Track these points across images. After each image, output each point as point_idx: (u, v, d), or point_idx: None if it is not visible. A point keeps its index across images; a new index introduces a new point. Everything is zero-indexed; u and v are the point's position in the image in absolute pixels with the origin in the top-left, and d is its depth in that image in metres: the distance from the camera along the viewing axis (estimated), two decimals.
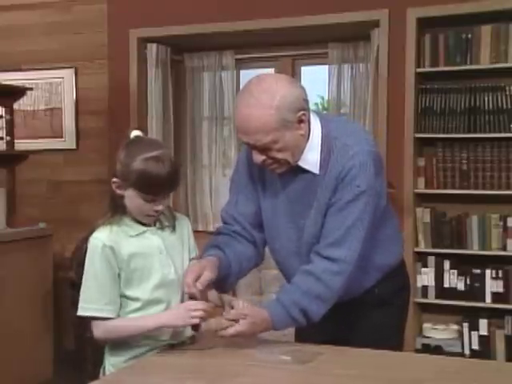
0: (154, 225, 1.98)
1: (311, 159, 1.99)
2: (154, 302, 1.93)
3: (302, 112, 1.92)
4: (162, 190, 1.89)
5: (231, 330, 1.89)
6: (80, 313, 1.91)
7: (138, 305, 1.93)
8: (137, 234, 1.94)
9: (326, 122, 2.04)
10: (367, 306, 2.13)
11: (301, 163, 1.99)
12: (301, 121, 1.93)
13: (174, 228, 2.02)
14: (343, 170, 1.95)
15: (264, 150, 1.92)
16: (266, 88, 1.89)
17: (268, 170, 2.04)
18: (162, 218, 2.00)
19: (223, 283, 2.08)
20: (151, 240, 1.96)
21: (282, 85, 1.90)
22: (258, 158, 1.95)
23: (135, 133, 1.95)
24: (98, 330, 1.92)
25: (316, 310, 1.96)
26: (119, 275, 1.91)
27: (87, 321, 1.92)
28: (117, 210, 1.93)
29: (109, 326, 1.91)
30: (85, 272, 1.91)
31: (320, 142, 1.99)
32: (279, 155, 1.93)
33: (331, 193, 1.97)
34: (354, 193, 1.94)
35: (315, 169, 1.99)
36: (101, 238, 1.89)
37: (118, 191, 1.91)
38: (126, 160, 1.87)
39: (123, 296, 1.93)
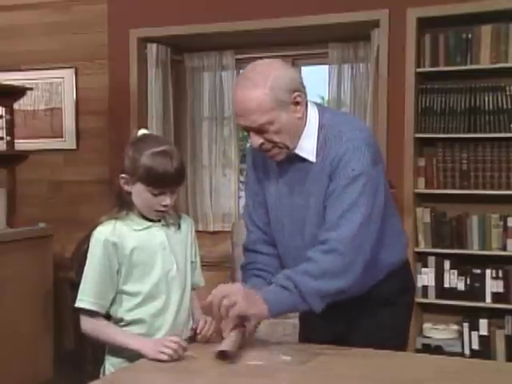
0: (159, 221, 2.00)
1: (307, 147, 2.00)
2: (154, 297, 1.94)
3: (297, 93, 1.94)
4: (169, 183, 1.92)
5: (232, 312, 1.84)
6: (76, 304, 1.92)
7: (138, 300, 1.93)
8: (141, 229, 1.96)
9: (323, 111, 2.05)
10: (371, 306, 2.11)
11: (297, 151, 2.00)
12: (297, 103, 1.95)
13: (179, 226, 2.04)
14: (337, 155, 1.95)
15: (261, 131, 1.93)
16: (260, 70, 1.93)
17: (269, 163, 2.05)
18: (167, 216, 2.01)
19: None
20: (155, 235, 1.97)
21: (275, 67, 1.95)
22: (256, 141, 1.95)
23: (142, 131, 2.02)
24: (87, 326, 1.94)
25: (304, 283, 1.88)
26: (119, 271, 1.92)
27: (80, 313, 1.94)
28: (123, 206, 1.96)
29: (99, 326, 1.93)
30: (86, 264, 1.93)
31: (317, 130, 2.00)
32: (276, 138, 1.94)
33: (328, 180, 1.97)
34: (349, 176, 1.93)
35: (312, 156, 2.00)
36: (104, 232, 1.92)
37: (126, 187, 1.94)
38: (133, 155, 1.91)
39: (122, 292, 1.94)
